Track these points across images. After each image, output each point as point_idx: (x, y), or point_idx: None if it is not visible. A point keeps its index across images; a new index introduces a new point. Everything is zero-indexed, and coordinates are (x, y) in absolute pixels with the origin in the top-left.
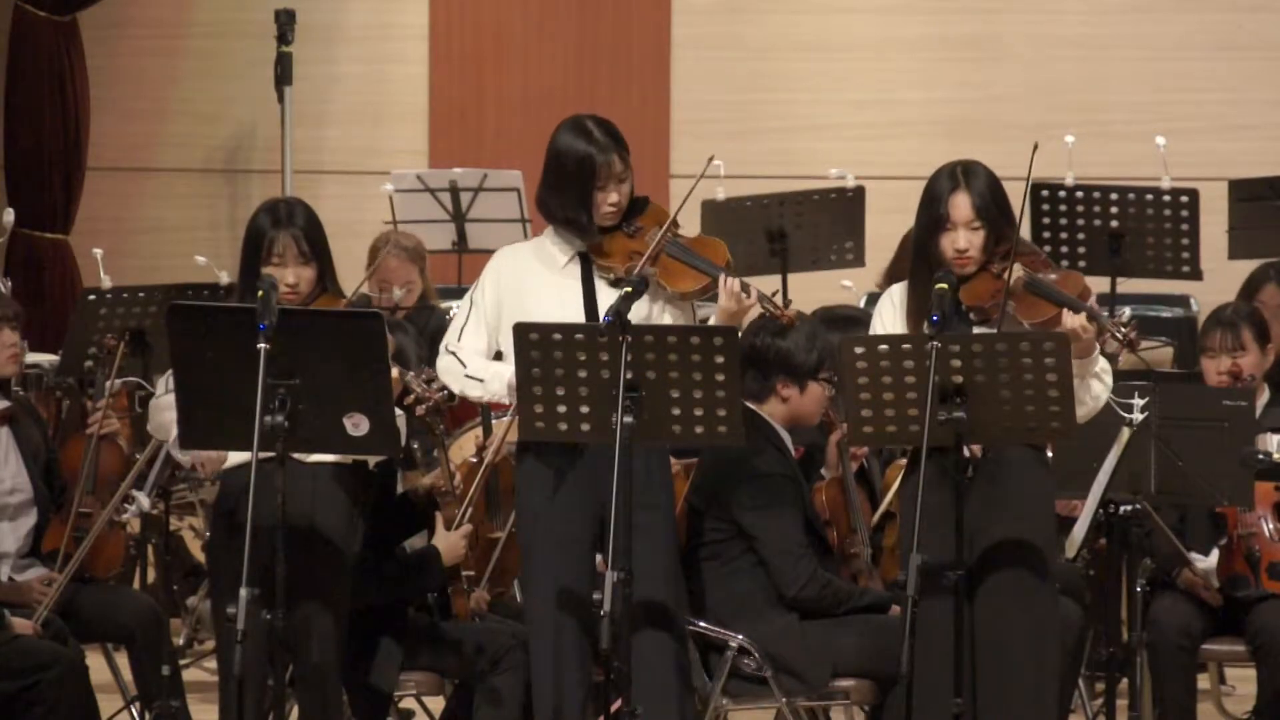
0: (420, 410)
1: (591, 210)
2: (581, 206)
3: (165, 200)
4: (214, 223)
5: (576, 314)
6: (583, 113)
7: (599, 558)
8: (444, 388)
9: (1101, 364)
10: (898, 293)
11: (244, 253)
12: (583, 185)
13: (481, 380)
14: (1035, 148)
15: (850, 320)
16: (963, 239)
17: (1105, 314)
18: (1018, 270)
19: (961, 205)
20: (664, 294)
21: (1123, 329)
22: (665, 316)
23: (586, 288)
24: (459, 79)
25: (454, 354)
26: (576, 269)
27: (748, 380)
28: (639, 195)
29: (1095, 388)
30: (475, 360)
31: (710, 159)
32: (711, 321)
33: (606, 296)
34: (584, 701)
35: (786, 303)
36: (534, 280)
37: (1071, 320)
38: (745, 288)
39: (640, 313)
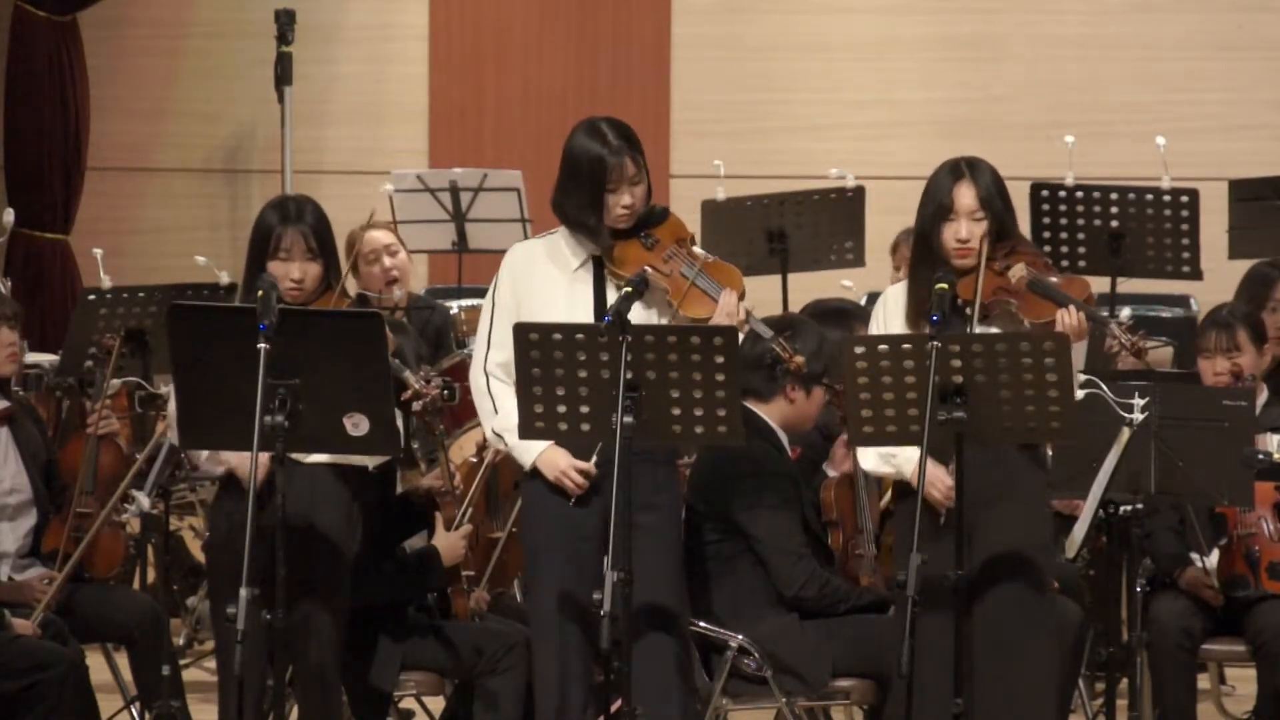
0: (417, 406)
1: (602, 212)
2: (592, 208)
3: (165, 200)
4: (214, 223)
5: (585, 318)
6: (598, 115)
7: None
8: (441, 384)
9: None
10: (891, 296)
11: (250, 248)
12: (594, 187)
13: (504, 442)
14: None
15: (842, 313)
16: (964, 228)
17: (1108, 319)
18: (1020, 270)
19: (965, 195)
20: (678, 318)
21: (1129, 337)
22: None
23: (598, 293)
24: (459, 79)
25: (487, 383)
26: (588, 274)
27: (754, 381)
28: (659, 206)
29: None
30: (507, 402)
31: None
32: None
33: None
34: (586, 702)
35: (794, 349)
36: (545, 281)
37: (1070, 317)
38: (749, 315)
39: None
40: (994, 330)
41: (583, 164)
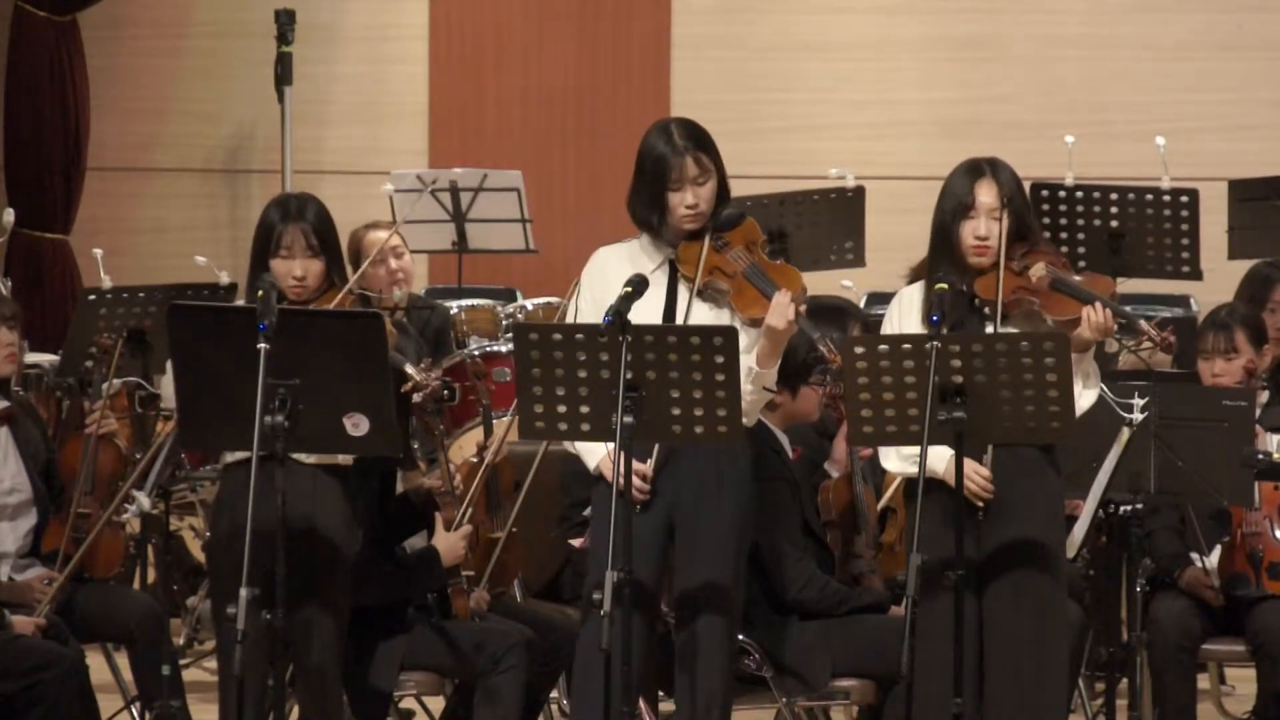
0: (418, 398)
1: (665, 212)
2: (655, 207)
3: (165, 200)
4: (214, 223)
5: (654, 319)
6: (672, 117)
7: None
8: (441, 376)
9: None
10: (907, 295)
11: (254, 247)
12: (656, 186)
13: (574, 446)
14: None
15: (839, 311)
16: (984, 225)
17: (1136, 315)
18: (1041, 269)
19: (986, 192)
20: (736, 318)
21: (1159, 332)
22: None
23: (669, 295)
24: (459, 79)
25: None
26: (664, 276)
27: None
28: (736, 210)
29: (1086, 398)
30: None
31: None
32: (760, 336)
33: (687, 305)
34: (639, 693)
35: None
36: (622, 283)
37: (1096, 314)
38: (798, 314)
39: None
40: (1010, 330)
41: (647, 163)
